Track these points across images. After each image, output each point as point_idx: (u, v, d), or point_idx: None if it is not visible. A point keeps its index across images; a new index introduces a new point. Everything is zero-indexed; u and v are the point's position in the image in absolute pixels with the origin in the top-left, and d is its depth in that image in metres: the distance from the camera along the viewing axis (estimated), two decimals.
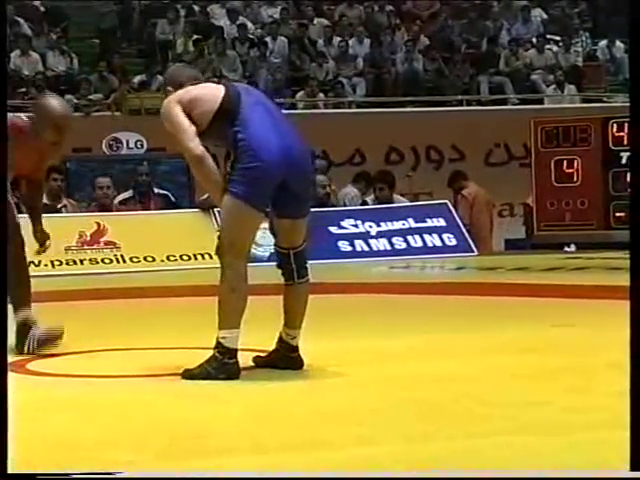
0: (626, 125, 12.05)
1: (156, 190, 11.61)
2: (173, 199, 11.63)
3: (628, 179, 12.17)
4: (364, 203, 11.99)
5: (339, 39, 16.70)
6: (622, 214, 12.12)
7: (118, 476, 2.98)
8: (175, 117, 4.59)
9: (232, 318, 4.52)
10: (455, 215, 11.65)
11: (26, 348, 5.25)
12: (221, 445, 3.47)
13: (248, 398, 4.29)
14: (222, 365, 4.50)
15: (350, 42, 16.72)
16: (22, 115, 5.32)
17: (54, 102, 5.30)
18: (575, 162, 12.42)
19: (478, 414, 3.82)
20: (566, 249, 11.86)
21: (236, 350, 4.53)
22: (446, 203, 11.82)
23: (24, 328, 5.27)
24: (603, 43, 17.18)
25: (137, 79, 15.39)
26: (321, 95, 15.70)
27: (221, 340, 4.53)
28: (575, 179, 12.43)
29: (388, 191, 11.98)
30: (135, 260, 10.60)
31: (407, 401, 4.10)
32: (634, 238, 3.42)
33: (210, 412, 4.02)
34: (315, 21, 17.20)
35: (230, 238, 4.53)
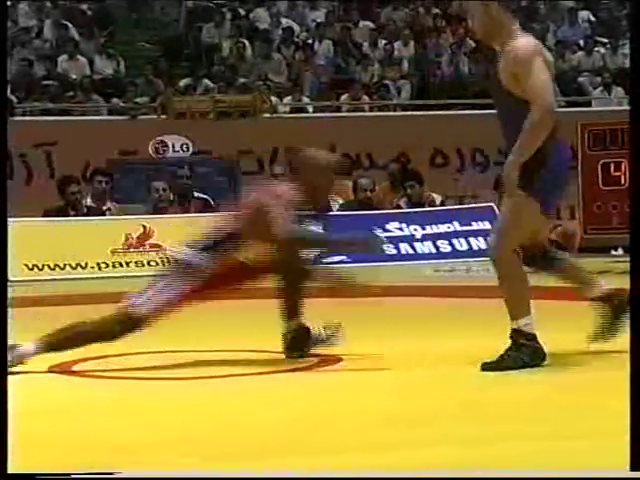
0: None
1: (195, 194, 11.65)
2: (212, 203, 11.65)
3: None
4: (397, 206, 11.87)
5: (384, 42, 16.68)
6: None
7: (118, 476, 2.98)
8: (540, 66, 4.59)
9: (523, 306, 4.69)
10: None
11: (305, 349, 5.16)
12: (265, 447, 3.47)
13: (302, 400, 4.30)
14: (534, 350, 4.66)
15: (395, 45, 16.69)
16: (281, 183, 5.25)
17: (321, 153, 5.32)
18: (622, 165, 12.33)
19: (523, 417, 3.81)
20: (613, 252, 11.76)
21: (535, 335, 4.67)
22: (491, 206, 11.75)
23: (302, 331, 5.17)
24: None
25: (183, 82, 15.45)
26: (366, 98, 15.68)
27: (523, 328, 4.67)
28: (622, 182, 12.33)
29: (419, 188, 11.87)
30: None
31: (452, 404, 4.11)
32: (634, 240, 3.42)
33: (258, 414, 4.02)
34: (360, 24, 17.19)
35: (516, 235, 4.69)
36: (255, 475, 3.10)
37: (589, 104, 16.17)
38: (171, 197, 11.53)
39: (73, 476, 2.93)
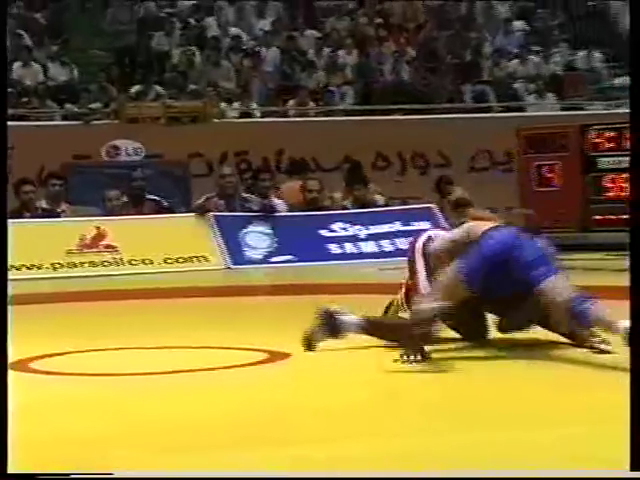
0: (605, 132, 12.54)
1: (148, 196, 11.74)
2: (164, 204, 11.77)
3: (604, 183, 12.62)
4: (344, 207, 12.06)
5: (329, 50, 16.91)
6: (599, 217, 12.60)
7: (116, 476, 2.99)
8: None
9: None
10: (441, 218, 11.86)
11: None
12: (212, 441, 3.51)
13: (252, 394, 4.33)
14: None
15: (339, 52, 16.91)
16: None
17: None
18: (556, 167, 12.87)
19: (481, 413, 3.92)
20: None
21: None
22: (430, 207, 12.09)
23: None
24: (582, 53, 17.57)
25: (135, 89, 15.52)
26: (311, 103, 15.92)
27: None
28: (555, 183, 12.87)
29: (364, 190, 12.27)
30: (134, 263, 10.80)
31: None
32: (634, 239, 3.55)
33: (205, 408, 4.08)
34: (306, 32, 17.39)
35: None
36: (251, 475, 3.09)
37: (523, 109, 16.69)
38: (125, 199, 11.78)
39: (72, 476, 2.92)
